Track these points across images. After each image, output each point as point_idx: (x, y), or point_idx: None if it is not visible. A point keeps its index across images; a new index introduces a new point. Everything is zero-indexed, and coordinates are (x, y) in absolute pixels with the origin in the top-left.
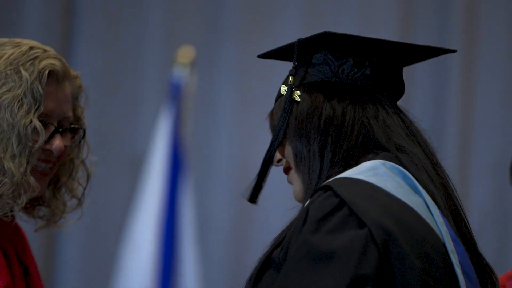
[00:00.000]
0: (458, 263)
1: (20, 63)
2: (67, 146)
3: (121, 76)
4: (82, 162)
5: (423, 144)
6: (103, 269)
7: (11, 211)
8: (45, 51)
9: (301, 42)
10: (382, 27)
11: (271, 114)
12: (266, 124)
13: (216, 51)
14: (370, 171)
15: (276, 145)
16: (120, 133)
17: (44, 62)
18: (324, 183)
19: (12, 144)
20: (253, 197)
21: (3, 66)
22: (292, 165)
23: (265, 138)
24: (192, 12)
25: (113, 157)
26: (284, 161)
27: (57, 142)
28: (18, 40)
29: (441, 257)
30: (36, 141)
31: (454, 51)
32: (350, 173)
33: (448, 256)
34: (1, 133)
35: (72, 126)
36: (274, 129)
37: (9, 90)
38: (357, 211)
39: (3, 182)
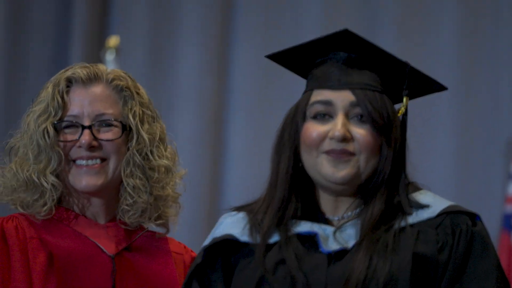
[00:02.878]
0: None
1: (50, 82)
2: (110, 140)
3: None
4: (134, 153)
5: None
6: None
7: (44, 209)
8: (80, 65)
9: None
10: None
11: (378, 109)
12: None
13: None
14: None
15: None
16: None
17: (66, 73)
18: (451, 207)
19: (29, 153)
20: None
21: (41, 91)
22: (370, 154)
23: None
24: None
25: None
26: (351, 144)
27: (84, 137)
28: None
29: None
30: (64, 141)
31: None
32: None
33: None
34: (25, 147)
35: (105, 120)
36: (379, 123)
37: (37, 107)
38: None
39: (20, 187)
